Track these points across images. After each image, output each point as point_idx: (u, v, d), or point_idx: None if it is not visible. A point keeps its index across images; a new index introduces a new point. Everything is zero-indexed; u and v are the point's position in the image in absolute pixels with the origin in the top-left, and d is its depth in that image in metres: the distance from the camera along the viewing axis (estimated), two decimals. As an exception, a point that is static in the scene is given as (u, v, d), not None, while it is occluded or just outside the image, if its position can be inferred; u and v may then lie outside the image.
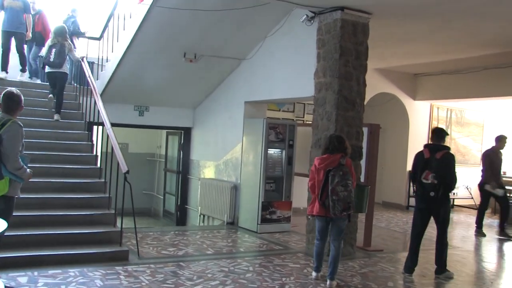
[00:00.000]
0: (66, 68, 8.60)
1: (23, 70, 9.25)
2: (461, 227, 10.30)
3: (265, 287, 5.29)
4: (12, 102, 4.60)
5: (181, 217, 10.94)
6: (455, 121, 13.04)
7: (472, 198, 12.61)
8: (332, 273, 5.44)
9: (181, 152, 11.05)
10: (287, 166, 8.49)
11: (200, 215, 9.89)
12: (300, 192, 8.52)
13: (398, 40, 8.42)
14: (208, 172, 10.06)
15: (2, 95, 4.63)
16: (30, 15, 9.16)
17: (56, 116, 8.26)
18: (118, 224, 6.42)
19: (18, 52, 9.16)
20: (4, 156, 4.38)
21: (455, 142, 13.01)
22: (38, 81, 9.58)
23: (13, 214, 4.67)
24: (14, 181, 4.50)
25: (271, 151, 8.41)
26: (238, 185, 8.92)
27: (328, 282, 5.45)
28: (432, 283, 5.90)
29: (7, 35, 8.95)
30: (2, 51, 9.02)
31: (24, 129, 4.60)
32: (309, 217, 5.90)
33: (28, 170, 4.61)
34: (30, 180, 4.78)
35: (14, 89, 4.75)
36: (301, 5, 6.76)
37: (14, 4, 8.91)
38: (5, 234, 4.17)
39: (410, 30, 7.67)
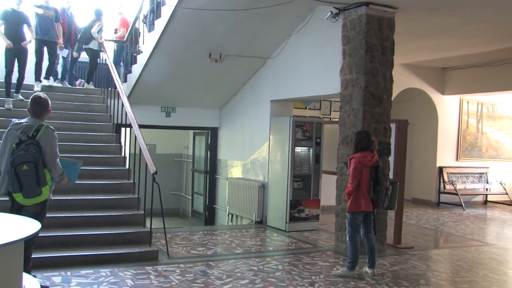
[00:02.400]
0: (95, 44, 9.47)
1: (47, 78, 9.24)
2: (496, 223, 10.06)
3: (294, 286, 5.27)
4: (39, 107, 4.71)
5: (209, 217, 10.99)
6: (486, 115, 12.74)
7: (507, 193, 12.31)
8: (374, 263, 5.77)
9: (208, 152, 11.10)
10: (314, 164, 8.44)
11: (228, 215, 9.92)
12: (328, 190, 8.46)
13: (425, 34, 8.26)
14: (236, 171, 10.09)
15: (30, 99, 4.75)
16: (60, 24, 9.21)
17: (86, 85, 9.69)
18: (148, 224, 6.49)
19: (49, 61, 9.14)
20: (46, 162, 4.50)
21: (487, 136, 12.72)
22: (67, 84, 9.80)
23: (47, 215, 4.78)
24: (51, 185, 4.61)
25: (298, 149, 8.37)
26: (265, 184, 8.91)
27: (370, 271, 5.74)
28: (465, 280, 5.77)
29: (41, 44, 8.89)
30: (36, 60, 8.90)
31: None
32: (347, 213, 5.81)
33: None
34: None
35: (41, 94, 4.87)
36: (326, 2, 6.71)
37: (47, 13, 8.91)
38: (39, 235, 4.28)
39: (438, 23, 7.52)
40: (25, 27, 8.44)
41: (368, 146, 5.63)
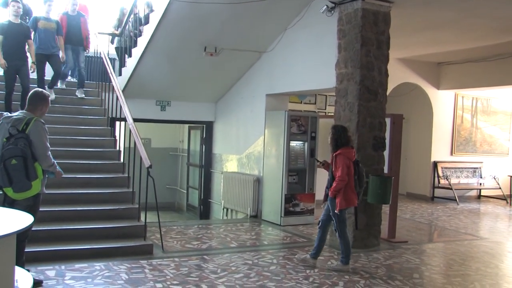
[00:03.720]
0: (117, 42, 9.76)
1: (50, 87, 8.37)
2: (489, 218, 10.11)
3: (289, 280, 5.28)
4: (38, 100, 4.69)
5: (204, 211, 10.99)
6: (481, 110, 12.76)
7: (500, 188, 12.36)
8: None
9: (204, 146, 11.09)
10: (309, 158, 8.44)
11: (223, 209, 9.92)
12: (323, 184, 8.45)
13: (421, 29, 8.26)
14: (231, 165, 10.08)
15: (31, 94, 4.76)
16: (62, 36, 8.47)
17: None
18: (142, 218, 6.48)
19: (55, 72, 8.34)
20: (37, 156, 4.49)
21: (481, 131, 12.75)
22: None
23: (41, 209, 4.78)
24: (43, 179, 4.60)
25: (293, 143, 8.37)
26: (261, 178, 8.91)
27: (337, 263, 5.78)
28: (458, 274, 5.80)
29: (42, 58, 8.11)
30: (38, 76, 8.02)
31: (47, 126, 4.69)
32: (337, 212, 5.67)
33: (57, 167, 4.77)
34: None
35: (44, 91, 4.88)
36: (321, -5, 6.70)
37: (48, 26, 8.19)
38: (33, 229, 4.27)
39: (433, 18, 7.51)
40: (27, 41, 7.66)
41: (348, 142, 5.65)
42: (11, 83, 7.53)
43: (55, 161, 4.70)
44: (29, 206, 4.41)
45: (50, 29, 8.24)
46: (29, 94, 4.73)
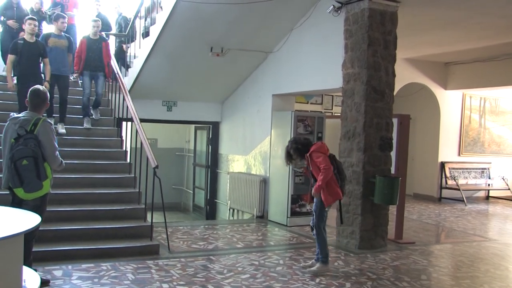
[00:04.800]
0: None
1: (60, 120, 7.78)
2: (498, 219, 10.04)
3: (295, 281, 5.27)
4: (38, 99, 4.70)
5: (210, 211, 11.00)
6: (489, 110, 12.67)
7: (509, 189, 12.27)
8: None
9: (210, 146, 11.09)
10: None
11: (229, 209, 9.91)
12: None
13: (428, 28, 8.21)
14: (237, 166, 10.08)
15: (29, 92, 4.74)
16: (72, 54, 8.04)
17: None
18: (149, 218, 6.48)
19: (61, 99, 7.81)
20: (46, 156, 4.51)
21: (490, 131, 12.66)
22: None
23: (48, 209, 4.80)
24: (51, 179, 4.62)
25: (300, 143, 8.35)
26: (267, 179, 8.90)
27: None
28: (467, 276, 5.75)
29: (51, 78, 7.51)
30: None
31: (54, 126, 4.71)
32: (327, 208, 5.60)
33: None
34: (62, 176, 4.90)
35: (40, 87, 4.86)
36: (328, -5, 6.68)
37: (59, 43, 7.75)
38: (40, 228, 4.28)
39: (441, 17, 7.47)
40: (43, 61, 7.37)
41: (308, 143, 5.55)
42: (25, 106, 7.21)
43: (62, 160, 4.72)
44: (36, 206, 4.43)
45: (61, 47, 7.79)
46: (29, 93, 4.70)
